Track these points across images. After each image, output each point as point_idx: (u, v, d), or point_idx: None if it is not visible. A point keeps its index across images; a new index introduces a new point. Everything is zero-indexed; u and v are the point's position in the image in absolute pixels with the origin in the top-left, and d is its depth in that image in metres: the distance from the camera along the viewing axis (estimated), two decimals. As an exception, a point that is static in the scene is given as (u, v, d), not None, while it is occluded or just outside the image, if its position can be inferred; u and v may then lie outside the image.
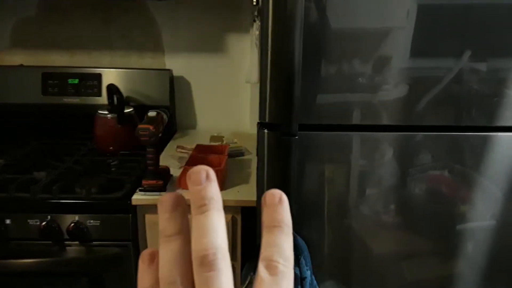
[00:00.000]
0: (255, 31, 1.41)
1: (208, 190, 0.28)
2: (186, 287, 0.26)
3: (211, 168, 0.28)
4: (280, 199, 0.29)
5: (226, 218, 1.13)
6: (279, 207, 0.29)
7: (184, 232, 0.29)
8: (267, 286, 0.26)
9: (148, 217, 1.17)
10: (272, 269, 0.26)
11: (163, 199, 0.30)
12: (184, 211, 0.30)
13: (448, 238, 1.05)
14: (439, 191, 1.02)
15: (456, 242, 1.05)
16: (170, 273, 0.27)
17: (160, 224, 0.30)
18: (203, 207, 0.28)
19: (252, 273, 0.93)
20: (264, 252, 0.27)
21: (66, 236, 1.13)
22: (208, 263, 0.25)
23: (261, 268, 0.26)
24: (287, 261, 0.27)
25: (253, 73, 1.50)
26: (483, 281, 1.08)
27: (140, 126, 1.10)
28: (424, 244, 1.07)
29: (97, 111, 1.44)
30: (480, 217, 1.03)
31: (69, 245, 1.15)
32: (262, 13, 0.89)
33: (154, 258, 0.30)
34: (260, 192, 0.98)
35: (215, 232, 0.27)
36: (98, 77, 1.59)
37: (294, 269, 0.87)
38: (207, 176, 0.28)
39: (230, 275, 0.26)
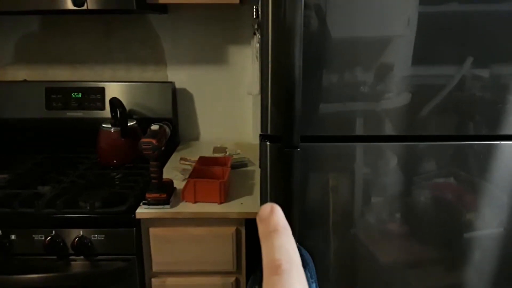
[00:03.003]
0: (256, 43, 1.41)
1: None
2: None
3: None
4: (272, 208, 0.29)
5: (229, 230, 1.13)
6: (271, 216, 0.28)
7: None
8: (272, 286, 0.25)
9: (152, 231, 1.17)
10: (275, 269, 0.25)
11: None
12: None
13: (454, 246, 1.04)
14: (445, 199, 1.02)
15: (463, 250, 1.04)
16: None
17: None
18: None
19: (256, 286, 0.92)
20: (265, 258, 0.26)
21: (70, 251, 1.13)
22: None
23: (265, 273, 0.26)
24: (290, 259, 0.26)
25: (255, 85, 1.50)
26: (491, 290, 1.07)
27: (143, 140, 1.10)
28: (431, 252, 1.06)
29: (100, 125, 1.45)
30: (487, 225, 1.02)
31: (74, 260, 1.15)
32: (262, 26, 0.89)
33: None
34: (264, 203, 0.98)
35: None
36: (101, 91, 1.60)
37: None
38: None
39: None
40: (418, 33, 0.89)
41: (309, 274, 0.90)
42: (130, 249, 1.15)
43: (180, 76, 1.71)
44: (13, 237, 1.13)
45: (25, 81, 1.67)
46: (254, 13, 1.15)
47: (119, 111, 1.41)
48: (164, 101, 1.64)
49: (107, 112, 1.54)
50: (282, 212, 0.29)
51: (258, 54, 1.40)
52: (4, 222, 1.12)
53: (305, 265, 0.90)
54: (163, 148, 1.15)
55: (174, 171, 1.40)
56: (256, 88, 1.51)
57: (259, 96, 0.95)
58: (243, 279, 1.23)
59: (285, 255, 0.26)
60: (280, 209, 0.29)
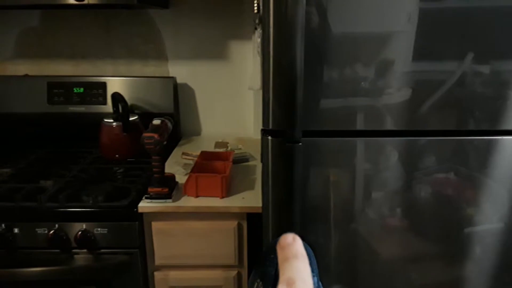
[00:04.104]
0: (257, 38, 1.41)
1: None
2: None
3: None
4: (293, 237, 0.33)
5: (231, 224, 1.14)
6: (294, 243, 0.33)
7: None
8: None
9: (155, 225, 1.18)
10: (289, 284, 0.30)
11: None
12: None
13: (455, 241, 1.05)
14: (445, 194, 1.02)
15: (463, 245, 1.05)
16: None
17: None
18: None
19: (258, 280, 0.93)
20: (282, 276, 0.31)
21: (73, 245, 1.14)
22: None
23: (280, 285, 0.30)
24: (304, 282, 0.30)
25: (256, 80, 1.51)
26: (491, 285, 1.08)
27: (145, 134, 1.11)
28: (431, 247, 1.06)
29: (102, 120, 1.45)
30: (487, 220, 1.03)
31: (77, 253, 1.16)
32: (263, 21, 0.90)
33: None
34: (265, 198, 0.98)
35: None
36: (103, 85, 1.60)
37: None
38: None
39: None
40: (419, 29, 0.89)
41: (310, 268, 0.91)
42: (132, 243, 1.16)
43: (181, 71, 1.71)
44: (16, 230, 1.14)
45: (26, 75, 1.67)
46: (255, 8, 1.15)
47: (121, 105, 1.41)
48: (165, 96, 1.64)
49: (109, 107, 1.54)
50: (301, 240, 0.33)
51: (259, 49, 1.40)
52: (7, 216, 1.13)
53: (306, 259, 0.91)
54: (165, 142, 1.16)
55: (176, 166, 1.41)
56: (257, 83, 1.52)
57: (261, 91, 0.95)
58: (244, 273, 1.24)
59: (301, 277, 0.30)
60: (300, 239, 0.34)
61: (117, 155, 1.44)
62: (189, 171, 1.27)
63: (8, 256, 1.15)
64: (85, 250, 1.16)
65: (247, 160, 1.49)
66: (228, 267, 1.23)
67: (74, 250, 1.16)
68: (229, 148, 1.55)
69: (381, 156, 0.97)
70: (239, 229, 1.19)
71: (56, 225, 1.13)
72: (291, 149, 0.88)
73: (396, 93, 0.93)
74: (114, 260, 1.17)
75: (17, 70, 1.70)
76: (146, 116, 1.44)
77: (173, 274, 1.23)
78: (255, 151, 1.54)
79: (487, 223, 1.03)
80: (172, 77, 1.66)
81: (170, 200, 1.16)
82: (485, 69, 0.92)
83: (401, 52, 0.91)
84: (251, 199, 1.19)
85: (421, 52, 0.91)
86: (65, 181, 1.26)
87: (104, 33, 1.67)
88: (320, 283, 0.94)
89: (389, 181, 0.99)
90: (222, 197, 1.19)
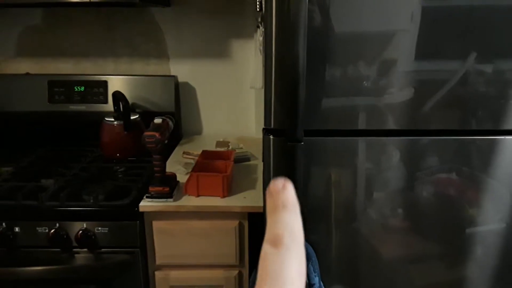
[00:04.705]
0: (259, 37, 1.41)
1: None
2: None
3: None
4: (284, 185, 0.28)
5: (232, 224, 1.13)
6: (282, 191, 0.28)
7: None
8: (269, 258, 0.24)
9: (156, 224, 1.17)
10: (276, 242, 0.25)
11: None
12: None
13: (456, 241, 1.04)
14: (447, 194, 1.02)
15: (465, 245, 1.04)
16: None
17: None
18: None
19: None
20: (268, 231, 0.26)
21: (74, 244, 1.14)
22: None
23: (265, 244, 0.25)
24: (293, 235, 0.25)
25: (258, 79, 1.50)
26: (492, 285, 1.07)
27: (146, 133, 1.11)
28: (433, 247, 1.06)
29: (103, 118, 1.45)
30: (489, 220, 1.03)
31: (78, 253, 1.16)
32: (265, 19, 0.89)
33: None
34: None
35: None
36: (104, 84, 1.60)
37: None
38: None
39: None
40: (422, 28, 0.89)
41: (312, 268, 0.90)
42: (133, 242, 1.16)
43: (183, 69, 1.71)
44: (17, 229, 1.13)
45: (27, 74, 1.67)
46: (258, 6, 1.15)
47: (122, 104, 1.41)
48: (167, 95, 1.64)
49: (110, 106, 1.54)
50: (294, 189, 0.28)
51: (261, 48, 1.40)
52: (8, 214, 1.13)
53: (308, 258, 0.91)
54: (166, 141, 1.15)
55: (177, 165, 1.41)
56: (259, 82, 1.51)
57: (262, 90, 0.95)
58: (246, 273, 1.24)
59: (289, 231, 0.26)
60: (292, 186, 0.28)
61: (118, 154, 1.44)
62: (190, 170, 1.27)
63: (8, 255, 1.15)
64: (85, 249, 1.15)
65: (248, 159, 1.49)
66: (229, 266, 1.23)
67: (74, 249, 1.15)
68: (230, 148, 1.55)
69: (383, 155, 0.97)
70: (240, 229, 1.18)
71: (57, 224, 1.13)
72: (292, 148, 0.88)
73: (399, 92, 0.93)
74: (115, 259, 1.16)
75: (18, 68, 1.70)
76: (147, 115, 1.43)
77: (174, 274, 1.22)
78: (257, 151, 1.53)
79: (489, 223, 1.03)
80: (174, 76, 1.66)
81: (171, 200, 1.16)
82: (488, 68, 0.91)
83: (403, 51, 0.91)
84: (252, 198, 1.18)
85: (423, 51, 0.90)
86: (66, 180, 1.25)
87: (105, 32, 1.67)
88: (321, 283, 0.94)
89: (391, 181, 0.99)
90: (223, 197, 1.18)
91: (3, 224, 1.13)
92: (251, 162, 1.48)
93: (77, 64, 1.70)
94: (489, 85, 0.92)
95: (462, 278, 1.07)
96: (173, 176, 1.23)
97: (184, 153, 1.50)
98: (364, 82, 0.92)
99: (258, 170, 1.40)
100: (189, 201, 1.17)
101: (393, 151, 0.97)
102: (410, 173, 0.98)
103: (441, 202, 1.01)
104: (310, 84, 0.88)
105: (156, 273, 1.22)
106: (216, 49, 1.68)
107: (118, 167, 1.38)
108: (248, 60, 1.68)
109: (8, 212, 1.13)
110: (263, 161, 0.98)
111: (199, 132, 1.79)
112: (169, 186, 1.16)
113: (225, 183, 1.18)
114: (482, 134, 0.96)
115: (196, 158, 1.36)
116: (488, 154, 0.97)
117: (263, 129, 0.96)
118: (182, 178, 1.27)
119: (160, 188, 1.15)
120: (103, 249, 1.16)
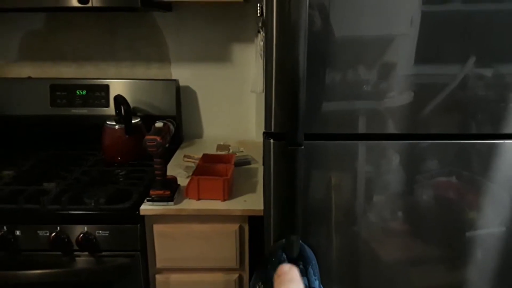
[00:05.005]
0: (260, 41, 1.42)
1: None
2: None
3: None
4: (290, 267, 0.36)
5: (233, 227, 1.14)
6: (291, 270, 0.35)
7: None
8: None
9: (156, 227, 1.18)
10: None
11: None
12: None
13: (456, 245, 1.04)
14: (447, 197, 1.02)
15: (465, 249, 1.04)
16: None
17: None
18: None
19: (260, 283, 0.93)
20: None
21: (75, 247, 1.14)
22: None
23: None
24: None
25: (258, 83, 1.51)
26: (493, 288, 1.07)
27: (148, 137, 1.11)
28: (433, 251, 1.06)
29: (105, 122, 1.46)
30: (489, 224, 1.03)
31: (79, 256, 1.16)
32: (266, 24, 0.90)
33: None
34: (267, 201, 0.98)
35: None
36: (106, 88, 1.61)
37: (303, 279, 0.87)
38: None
39: None
40: (421, 32, 0.89)
41: (312, 271, 0.90)
42: (134, 245, 1.16)
43: (184, 73, 1.72)
44: (18, 233, 1.14)
45: (29, 78, 1.68)
46: (259, 11, 1.15)
47: (124, 108, 1.42)
48: (168, 99, 1.64)
49: (111, 110, 1.55)
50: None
51: (262, 52, 1.40)
52: (9, 218, 1.14)
53: (308, 262, 0.91)
54: (167, 145, 1.16)
55: (178, 168, 1.41)
56: (260, 86, 1.52)
57: (263, 94, 0.95)
58: (246, 276, 1.24)
59: None
60: (296, 268, 0.37)
61: (119, 158, 1.45)
62: (191, 173, 1.28)
63: (9, 258, 1.15)
64: (86, 253, 1.16)
65: (249, 163, 1.49)
66: (229, 270, 1.23)
67: (75, 253, 1.16)
68: (231, 151, 1.55)
69: (383, 159, 0.97)
70: (240, 232, 1.19)
71: (58, 228, 1.13)
72: (293, 152, 0.88)
73: (398, 96, 0.93)
74: (116, 262, 1.17)
75: (21, 72, 1.71)
76: (149, 119, 1.44)
77: (175, 277, 1.23)
78: (257, 154, 1.54)
79: (489, 226, 1.03)
80: (175, 80, 1.67)
81: (172, 203, 1.16)
82: (487, 72, 0.92)
83: (403, 55, 0.91)
84: (252, 202, 1.19)
85: (423, 55, 0.91)
86: (67, 184, 1.26)
87: (107, 36, 1.68)
88: (321, 287, 0.94)
89: (391, 184, 0.99)
90: (224, 200, 1.19)
91: (4, 227, 1.13)
92: (252, 166, 1.48)
93: (79, 68, 1.71)
94: (489, 89, 0.92)
95: (462, 281, 1.07)
96: (174, 179, 1.24)
97: (185, 156, 1.50)
98: (364, 86, 0.92)
99: (259, 174, 1.40)
100: (190, 205, 1.17)
101: (393, 155, 0.97)
102: (410, 176, 0.98)
103: (441, 205, 1.01)
104: (311, 88, 0.88)
105: (157, 276, 1.22)
106: (217, 53, 1.69)
107: (119, 171, 1.39)
108: (249, 64, 1.69)
109: (9, 215, 1.14)
110: (263, 164, 0.99)
111: (199, 135, 1.80)
112: (170, 190, 1.16)
113: (226, 187, 1.18)
114: (482, 138, 0.96)
115: (197, 161, 1.36)
116: (488, 157, 0.97)
117: (264, 132, 0.96)
118: (183, 181, 1.27)
119: (161, 192, 1.15)
120: (104, 253, 1.16)
